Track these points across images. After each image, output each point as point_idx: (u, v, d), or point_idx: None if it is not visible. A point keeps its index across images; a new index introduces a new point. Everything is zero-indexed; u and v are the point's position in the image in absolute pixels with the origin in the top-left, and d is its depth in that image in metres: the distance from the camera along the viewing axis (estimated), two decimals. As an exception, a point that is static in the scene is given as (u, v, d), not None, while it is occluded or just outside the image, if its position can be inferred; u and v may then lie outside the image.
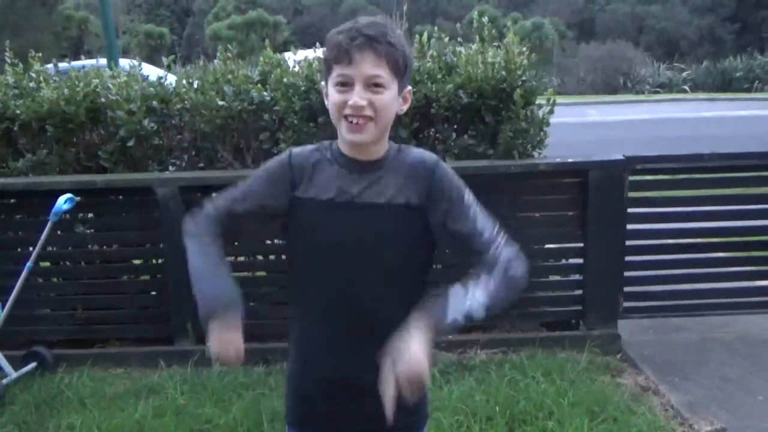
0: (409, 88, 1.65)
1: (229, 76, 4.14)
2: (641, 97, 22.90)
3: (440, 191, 1.60)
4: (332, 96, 1.56)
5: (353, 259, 1.59)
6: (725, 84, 25.95)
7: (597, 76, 27.14)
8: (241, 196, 1.68)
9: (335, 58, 1.54)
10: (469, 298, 1.50)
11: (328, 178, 1.62)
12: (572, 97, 21.35)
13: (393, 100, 1.57)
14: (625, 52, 29.10)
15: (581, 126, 13.23)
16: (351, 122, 1.54)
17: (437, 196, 1.60)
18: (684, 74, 27.37)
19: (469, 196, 1.62)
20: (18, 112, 4.09)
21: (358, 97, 1.51)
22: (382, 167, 1.62)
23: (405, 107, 1.64)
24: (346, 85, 1.53)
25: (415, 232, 1.61)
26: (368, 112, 1.53)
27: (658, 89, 25.44)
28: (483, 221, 1.60)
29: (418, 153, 1.67)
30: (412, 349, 1.40)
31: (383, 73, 1.53)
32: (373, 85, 1.53)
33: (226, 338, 1.53)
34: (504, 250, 1.58)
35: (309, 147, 1.70)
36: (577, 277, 4.18)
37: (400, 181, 1.61)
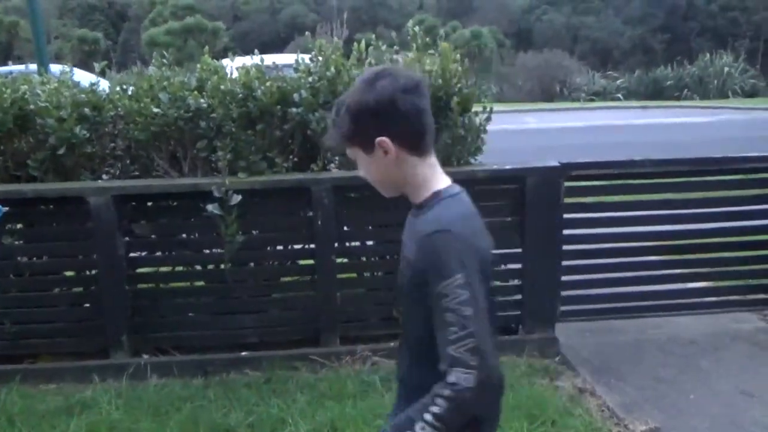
0: (380, 138, 1.55)
1: (165, 83, 4.06)
2: (577, 104, 23.45)
3: (431, 262, 1.51)
4: None
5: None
6: (657, 92, 26.82)
7: (534, 84, 27.71)
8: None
9: None
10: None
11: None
12: (511, 104, 21.72)
13: (370, 164, 1.60)
14: (561, 60, 29.77)
15: (519, 133, 13.45)
16: None
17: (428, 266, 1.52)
18: (617, 82, 28.17)
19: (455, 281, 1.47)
20: (-59, 119, 3.93)
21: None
22: (420, 212, 1.63)
23: (390, 155, 1.57)
24: None
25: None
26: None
27: (593, 97, 26.11)
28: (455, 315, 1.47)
29: (433, 215, 1.58)
30: None
31: (348, 151, 1.63)
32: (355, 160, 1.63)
33: None
34: (448, 372, 1.44)
35: (461, 214, 1.61)
36: (516, 282, 4.24)
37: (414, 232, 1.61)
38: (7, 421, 3.46)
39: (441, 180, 1.66)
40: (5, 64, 7.26)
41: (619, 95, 26.26)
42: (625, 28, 42.03)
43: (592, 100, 25.20)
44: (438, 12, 45.85)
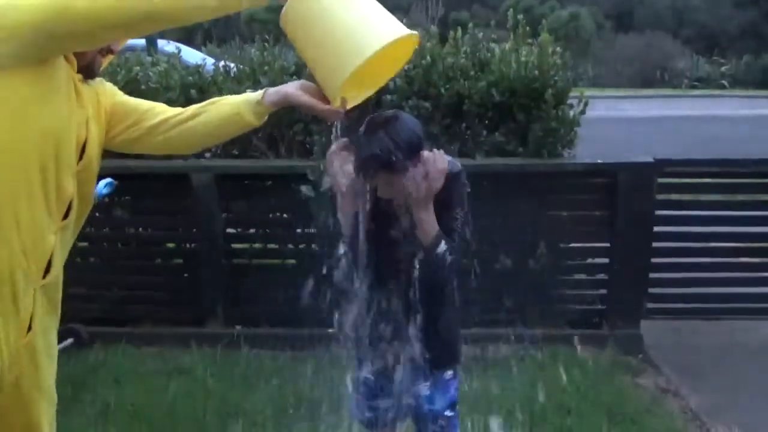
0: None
1: (266, 68, 4.22)
2: (678, 91, 22.62)
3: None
4: None
5: None
6: (766, 80, 25.42)
7: (634, 68, 26.79)
8: None
9: None
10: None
11: None
12: (608, 90, 21.15)
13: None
14: (663, 44, 28.64)
15: (616, 121, 13.12)
16: None
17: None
18: (723, 69, 26.86)
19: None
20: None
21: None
22: None
23: None
24: None
25: None
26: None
27: (695, 83, 25.05)
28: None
29: None
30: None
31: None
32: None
33: None
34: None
35: None
36: (602, 276, 4.22)
37: None
38: (114, 381, 3.74)
39: None
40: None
41: (724, 82, 25.08)
42: (735, 12, 39.92)
43: (694, 87, 24.21)
44: (536, -8, 44.72)
